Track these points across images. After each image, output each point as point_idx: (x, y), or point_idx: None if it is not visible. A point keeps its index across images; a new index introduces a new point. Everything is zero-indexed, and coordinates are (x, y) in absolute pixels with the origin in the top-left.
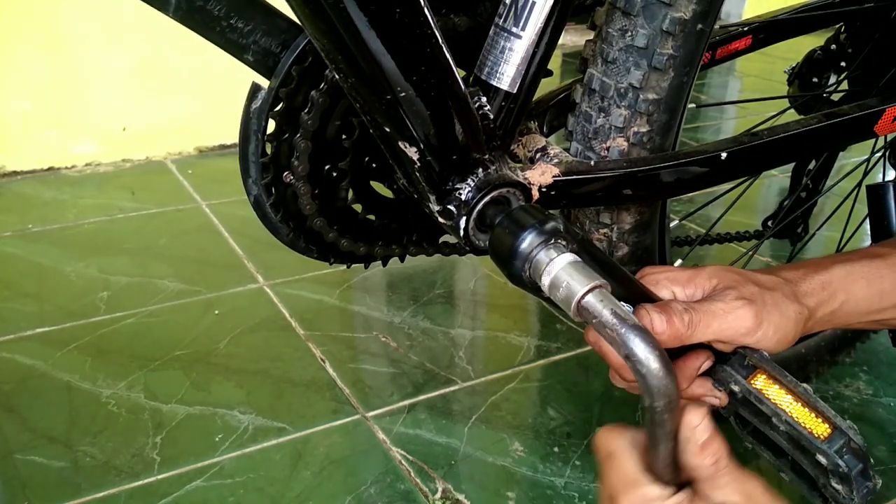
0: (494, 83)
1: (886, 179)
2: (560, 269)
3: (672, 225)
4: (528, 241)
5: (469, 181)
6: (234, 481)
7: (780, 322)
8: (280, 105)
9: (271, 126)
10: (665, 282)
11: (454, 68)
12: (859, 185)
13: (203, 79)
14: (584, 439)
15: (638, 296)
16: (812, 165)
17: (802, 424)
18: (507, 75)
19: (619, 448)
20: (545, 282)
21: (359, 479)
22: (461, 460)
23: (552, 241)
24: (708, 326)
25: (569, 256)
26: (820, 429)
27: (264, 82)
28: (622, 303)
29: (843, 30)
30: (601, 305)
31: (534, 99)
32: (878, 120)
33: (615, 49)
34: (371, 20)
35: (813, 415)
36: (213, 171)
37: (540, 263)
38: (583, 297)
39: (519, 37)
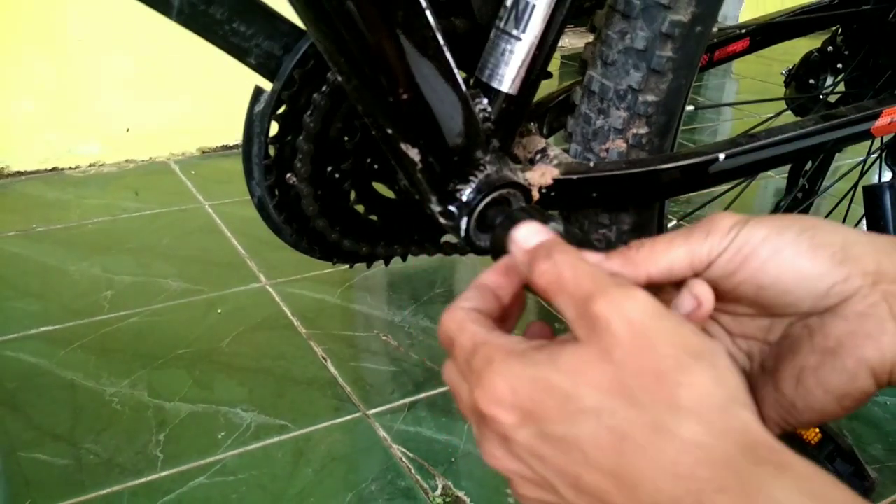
0: (495, 85)
1: (883, 180)
2: None
3: (670, 226)
4: None
5: (470, 182)
6: (237, 478)
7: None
8: (283, 107)
9: (274, 128)
10: None
11: (455, 70)
12: (856, 186)
13: (206, 80)
14: None
15: None
16: (809, 166)
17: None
18: (507, 77)
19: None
20: None
21: (360, 477)
22: (461, 457)
23: None
24: None
25: None
26: (810, 433)
27: (267, 85)
28: None
29: (839, 32)
30: None
31: (534, 101)
32: (874, 121)
33: (614, 51)
34: (374, 23)
35: None
36: (215, 172)
37: None
38: None
39: (519, 39)
